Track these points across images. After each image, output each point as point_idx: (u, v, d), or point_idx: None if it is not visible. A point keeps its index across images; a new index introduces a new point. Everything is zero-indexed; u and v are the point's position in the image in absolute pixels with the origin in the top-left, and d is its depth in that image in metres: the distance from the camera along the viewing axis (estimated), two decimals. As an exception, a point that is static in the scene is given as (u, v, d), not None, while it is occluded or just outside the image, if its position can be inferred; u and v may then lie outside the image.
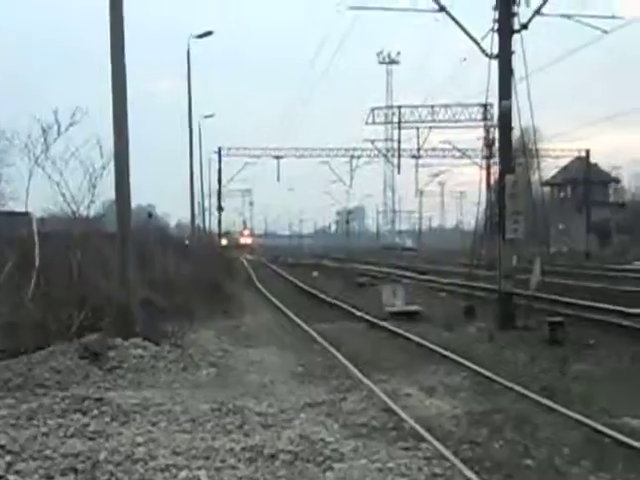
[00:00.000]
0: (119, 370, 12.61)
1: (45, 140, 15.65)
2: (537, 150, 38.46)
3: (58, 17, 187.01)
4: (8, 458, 7.67)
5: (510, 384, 11.83)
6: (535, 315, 19.02)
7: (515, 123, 20.20)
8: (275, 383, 12.43)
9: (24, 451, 7.93)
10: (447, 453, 8.20)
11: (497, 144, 22.81)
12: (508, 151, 20.71)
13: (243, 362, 14.34)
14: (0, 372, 11.90)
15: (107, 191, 16.46)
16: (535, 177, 41.39)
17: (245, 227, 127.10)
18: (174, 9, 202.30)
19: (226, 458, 7.88)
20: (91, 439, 8.47)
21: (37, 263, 15.30)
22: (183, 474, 7.36)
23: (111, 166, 15.61)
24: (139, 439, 8.42)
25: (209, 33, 43.76)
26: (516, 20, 19.90)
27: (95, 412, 9.57)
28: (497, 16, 19.85)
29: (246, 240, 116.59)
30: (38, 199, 17.91)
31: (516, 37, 19.88)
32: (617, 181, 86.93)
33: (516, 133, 21.74)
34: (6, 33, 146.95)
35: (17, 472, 7.35)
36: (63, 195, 15.79)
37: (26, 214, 20.06)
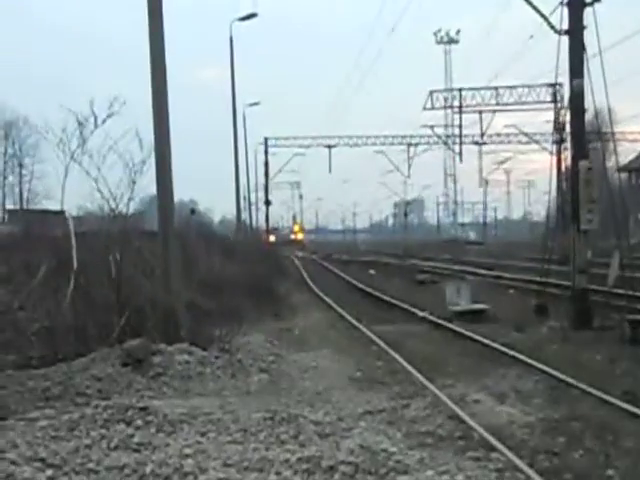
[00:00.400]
0: (164, 377, 12.70)
1: (81, 133, 15.76)
2: (613, 133, 37.95)
3: (95, 5, 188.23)
4: (49, 472, 7.76)
5: (588, 388, 11.70)
6: (613, 313, 18.81)
7: (588, 104, 19.96)
8: (331, 390, 12.45)
9: (66, 464, 8.01)
10: (521, 464, 8.14)
11: (568, 127, 22.54)
12: (581, 135, 20.47)
13: (296, 367, 14.37)
14: (38, 381, 12.05)
15: (147, 187, 16.57)
16: (611, 162, 41.03)
17: (296, 222, 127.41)
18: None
19: (281, 470, 7.89)
20: (136, 451, 8.54)
21: (75, 265, 15.47)
22: (235, 488, 7.38)
23: (151, 160, 15.72)
24: (187, 451, 8.46)
25: (253, 15, 44.09)
26: (588, -9, 19.66)
27: (140, 422, 9.62)
28: (567, -13, 19.62)
29: (297, 236, 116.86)
30: (74, 197, 18.09)
31: (588, 10, 19.60)
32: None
33: (589, 115, 21.50)
34: (41, 22, 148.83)
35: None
36: (100, 192, 15.88)
37: (62, 213, 20.33)
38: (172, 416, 9.94)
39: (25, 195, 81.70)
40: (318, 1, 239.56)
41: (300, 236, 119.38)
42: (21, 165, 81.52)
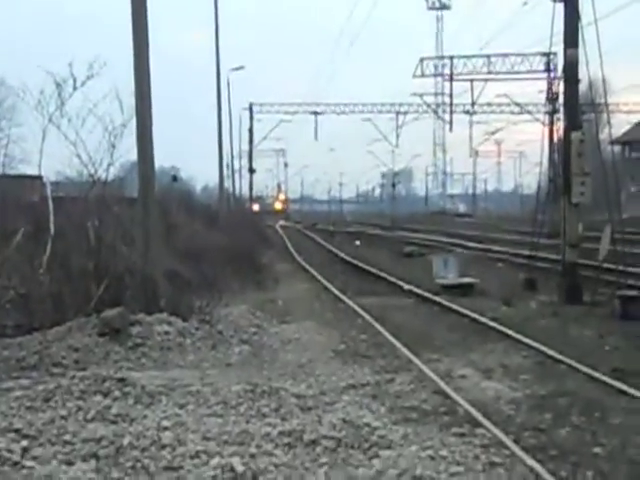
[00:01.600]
0: (142, 348, 12.71)
1: (59, 95, 15.66)
2: (607, 104, 37.91)
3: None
4: (24, 443, 7.78)
5: (576, 364, 11.78)
6: (604, 288, 18.91)
7: (582, 74, 19.93)
8: (314, 362, 12.48)
9: (41, 435, 8.04)
10: (506, 440, 8.19)
11: (562, 98, 22.54)
12: (574, 106, 20.45)
13: (279, 339, 14.40)
14: (13, 350, 12.07)
15: (127, 152, 16.50)
16: (604, 134, 41.04)
17: (280, 191, 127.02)
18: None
19: (262, 444, 7.92)
20: (113, 423, 8.56)
21: (52, 231, 15.43)
22: (215, 461, 7.40)
23: (132, 124, 15.65)
24: (166, 423, 8.48)
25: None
26: (583, -42, 19.60)
27: (117, 394, 9.64)
28: (561, -47, 19.55)
29: (281, 205, 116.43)
30: (52, 161, 17.99)
31: (584, -24, 19.58)
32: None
33: (583, 85, 21.49)
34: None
35: (34, 458, 7.45)
36: (79, 156, 15.83)
37: (39, 178, 20.25)
38: (150, 387, 9.96)
39: (1, 160, 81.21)
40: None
41: (280, 206, 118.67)
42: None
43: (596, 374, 11.18)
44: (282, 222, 79.18)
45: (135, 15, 15.61)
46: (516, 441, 8.21)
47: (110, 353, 12.32)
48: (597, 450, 8.06)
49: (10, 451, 7.52)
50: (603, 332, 14.72)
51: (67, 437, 8.00)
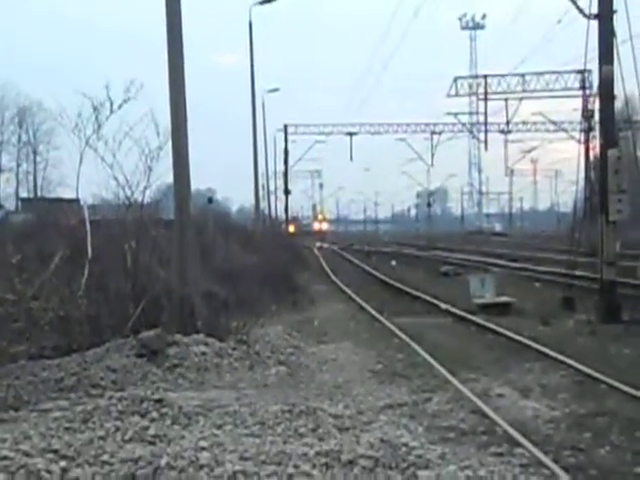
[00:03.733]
0: (180, 369, 12.75)
1: (97, 119, 15.80)
2: (643, 121, 37.71)
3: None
4: (62, 463, 7.78)
5: (616, 383, 11.66)
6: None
7: (618, 91, 19.86)
8: (351, 382, 12.45)
9: (79, 456, 8.03)
10: (546, 459, 8.11)
11: (597, 115, 22.43)
12: (610, 123, 20.34)
13: (316, 360, 14.39)
14: (52, 372, 12.12)
15: (163, 174, 16.61)
16: (641, 151, 40.70)
17: (319, 211, 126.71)
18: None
19: (299, 464, 7.88)
20: (151, 443, 8.56)
21: (90, 254, 15.53)
22: (252, 482, 7.39)
23: (168, 147, 15.76)
24: (203, 443, 8.47)
25: (272, -1, 43.95)
26: (618, -26, 19.53)
27: (155, 414, 9.65)
28: (596, -30, 19.51)
29: (320, 226, 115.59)
30: (89, 184, 18.14)
31: (618, -7, 19.51)
32: None
33: (619, 102, 21.38)
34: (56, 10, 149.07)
35: (73, 478, 7.46)
36: (116, 179, 15.95)
37: (76, 201, 20.41)
38: (188, 408, 9.96)
39: (39, 183, 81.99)
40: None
41: (324, 226, 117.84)
42: (35, 152, 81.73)
43: (636, 392, 11.05)
44: (318, 243, 78.81)
45: (171, 37, 15.77)
46: (555, 460, 8.13)
47: (147, 374, 12.36)
48: (638, 470, 7.97)
49: (49, 472, 7.54)
50: (642, 350, 14.58)
51: (105, 458, 7.99)
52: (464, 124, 73.40)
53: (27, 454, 7.96)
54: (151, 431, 8.96)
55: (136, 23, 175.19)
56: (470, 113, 76.31)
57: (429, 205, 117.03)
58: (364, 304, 23.49)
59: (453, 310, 21.25)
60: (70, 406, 10.17)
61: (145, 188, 16.13)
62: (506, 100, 61.15)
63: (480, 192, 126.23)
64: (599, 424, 9.71)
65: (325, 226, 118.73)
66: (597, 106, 21.58)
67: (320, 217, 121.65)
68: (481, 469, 7.80)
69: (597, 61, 19.80)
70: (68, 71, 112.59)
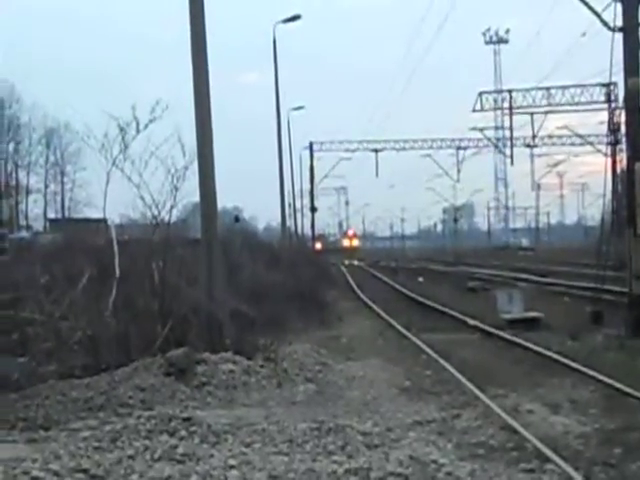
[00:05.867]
0: (208, 387, 12.76)
1: (123, 139, 15.89)
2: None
3: (133, 7, 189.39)
4: (92, 483, 7.83)
5: (646, 398, 11.58)
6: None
7: (644, 103, 19.74)
8: (380, 399, 12.42)
9: (109, 475, 8.07)
10: (576, 475, 8.06)
11: (624, 128, 22.32)
12: (637, 135, 20.22)
13: (343, 377, 14.36)
14: (80, 391, 12.16)
15: (190, 194, 16.67)
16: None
17: (349, 228, 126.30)
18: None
19: (328, 482, 7.89)
20: (180, 462, 8.57)
21: (117, 273, 15.59)
22: (282, 500, 7.38)
23: (194, 166, 15.83)
24: (232, 462, 8.48)
25: (296, 17, 44.27)
26: (643, -13, 19.46)
27: (183, 433, 9.67)
28: (621, -18, 19.45)
29: (351, 242, 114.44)
30: (116, 204, 18.23)
31: (643, 5, 19.44)
32: None
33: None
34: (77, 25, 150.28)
35: (102, 498, 7.50)
36: (143, 199, 16.03)
37: (104, 221, 20.51)
38: (216, 426, 9.98)
39: (67, 204, 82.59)
40: (364, 4, 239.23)
41: (355, 242, 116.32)
42: (63, 173, 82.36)
43: (667, 407, 10.97)
44: (346, 261, 78.46)
45: (196, 58, 15.87)
46: (587, 477, 8.09)
47: (176, 392, 12.37)
48: (670, 485, 7.90)
49: (79, 491, 7.58)
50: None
51: (134, 477, 8.02)
52: (489, 139, 73.30)
53: (57, 474, 8.00)
54: (180, 450, 8.97)
55: (162, 43, 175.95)
56: (495, 128, 76.36)
57: (455, 220, 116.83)
58: (391, 321, 23.44)
59: (481, 326, 21.17)
60: (99, 425, 10.19)
61: (172, 207, 16.20)
62: (531, 114, 60.91)
63: (507, 207, 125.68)
64: (630, 439, 9.62)
65: (356, 242, 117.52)
66: (623, 119, 21.48)
67: (350, 233, 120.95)
68: (511, 486, 7.77)
69: (622, 74, 19.73)
70: (94, 90, 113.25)
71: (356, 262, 78.06)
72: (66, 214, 77.52)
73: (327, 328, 22.27)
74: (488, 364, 15.69)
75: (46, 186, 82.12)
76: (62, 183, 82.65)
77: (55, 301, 14.66)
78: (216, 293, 15.38)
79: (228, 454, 8.85)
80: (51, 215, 79.36)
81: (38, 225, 75.44)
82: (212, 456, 8.78)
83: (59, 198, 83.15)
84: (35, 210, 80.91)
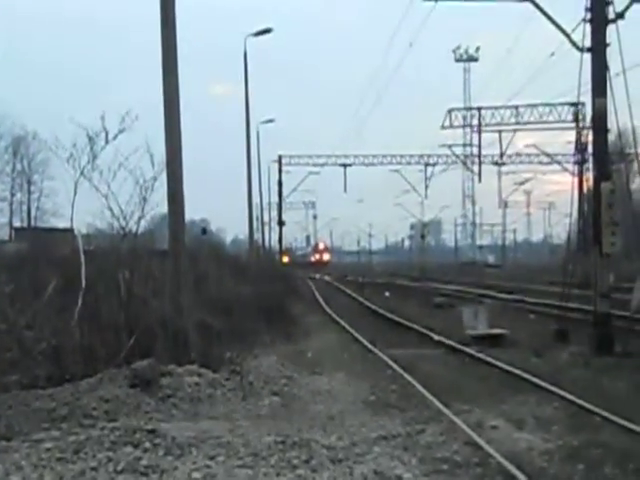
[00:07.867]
0: (173, 399, 12.72)
1: (92, 149, 15.84)
2: (637, 154, 37.77)
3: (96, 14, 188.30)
4: (54, 495, 7.78)
5: (609, 416, 11.64)
6: (636, 339, 18.72)
7: (611, 124, 19.93)
8: (345, 414, 12.42)
9: (71, 487, 8.03)
10: (540, 492, 8.10)
11: (591, 148, 22.50)
12: (603, 155, 20.39)
13: (309, 391, 14.35)
14: (44, 401, 12.08)
15: (158, 205, 16.63)
16: (635, 184, 40.86)
17: (319, 239, 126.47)
18: (229, 10, 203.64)
19: (292, 496, 7.88)
20: (144, 474, 8.55)
21: (83, 283, 15.50)
22: (245, 513, 7.36)
23: (163, 177, 15.80)
24: (196, 474, 8.47)
25: (267, 31, 44.27)
26: (611, 9, 19.64)
27: (148, 445, 9.63)
28: (589, 4, 19.63)
29: (321, 256, 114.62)
30: (83, 214, 18.15)
31: (611, 28, 19.64)
32: None
33: (612, 135, 21.45)
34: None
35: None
36: (111, 209, 15.99)
37: (70, 230, 20.39)
38: (181, 439, 9.95)
39: (33, 213, 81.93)
40: (335, 19, 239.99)
41: (326, 257, 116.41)
42: (30, 182, 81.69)
43: (630, 425, 11.03)
44: (313, 275, 78.50)
45: (166, 69, 15.84)
46: (550, 493, 8.12)
47: (141, 404, 12.32)
48: (632, 502, 7.96)
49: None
50: (636, 383, 14.55)
51: (98, 489, 7.99)
52: (458, 156, 73.49)
53: (19, 485, 7.94)
54: (144, 462, 8.95)
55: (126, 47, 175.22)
56: (464, 145, 76.39)
57: (423, 237, 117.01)
58: (357, 335, 23.46)
59: (446, 341, 21.23)
60: (62, 436, 10.14)
61: (140, 218, 16.18)
62: (500, 132, 61.21)
63: (474, 224, 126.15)
64: (593, 456, 9.69)
65: (327, 256, 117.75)
66: (590, 139, 21.66)
67: (322, 246, 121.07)
68: (475, 501, 7.79)
69: (590, 94, 19.89)
70: (64, 99, 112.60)
71: (326, 277, 77.99)
72: (32, 223, 76.89)
73: (293, 342, 22.23)
74: (453, 380, 15.74)
75: (12, 195, 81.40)
76: (29, 192, 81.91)
77: (20, 310, 14.54)
78: (183, 305, 15.34)
79: (192, 467, 8.83)
80: (17, 224, 78.72)
81: (3, 234, 74.77)
82: (176, 469, 8.76)
83: (25, 207, 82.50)
84: (0, 219, 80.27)
